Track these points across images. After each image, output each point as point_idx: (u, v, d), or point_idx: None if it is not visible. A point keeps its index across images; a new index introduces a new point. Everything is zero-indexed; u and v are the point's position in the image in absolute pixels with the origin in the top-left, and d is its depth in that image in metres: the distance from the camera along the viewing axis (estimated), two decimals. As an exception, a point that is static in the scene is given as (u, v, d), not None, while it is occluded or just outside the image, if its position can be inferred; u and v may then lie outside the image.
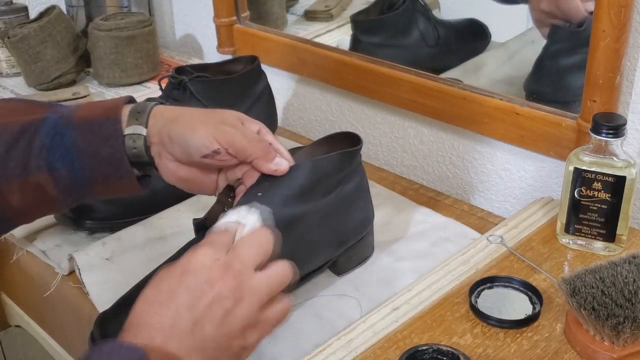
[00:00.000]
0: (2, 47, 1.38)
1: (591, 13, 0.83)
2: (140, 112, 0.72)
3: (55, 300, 0.92)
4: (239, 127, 0.73)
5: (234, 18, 1.29)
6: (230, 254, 0.59)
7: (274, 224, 0.68)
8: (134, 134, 0.71)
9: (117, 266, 0.90)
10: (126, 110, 0.72)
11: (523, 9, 1.04)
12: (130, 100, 0.75)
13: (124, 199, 0.97)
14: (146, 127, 0.71)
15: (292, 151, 0.80)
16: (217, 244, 0.60)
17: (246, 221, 0.63)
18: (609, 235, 0.81)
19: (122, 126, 0.71)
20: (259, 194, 0.73)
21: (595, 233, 0.81)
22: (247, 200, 0.72)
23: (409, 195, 1.05)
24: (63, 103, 0.78)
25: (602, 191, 0.79)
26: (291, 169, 0.75)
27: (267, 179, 0.74)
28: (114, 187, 0.74)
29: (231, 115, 0.74)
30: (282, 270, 0.60)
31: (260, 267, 0.60)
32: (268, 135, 0.75)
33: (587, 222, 0.81)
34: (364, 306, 0.81)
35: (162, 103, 0.75)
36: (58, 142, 0.70)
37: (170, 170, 0.74)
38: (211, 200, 1.01)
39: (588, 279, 0.67)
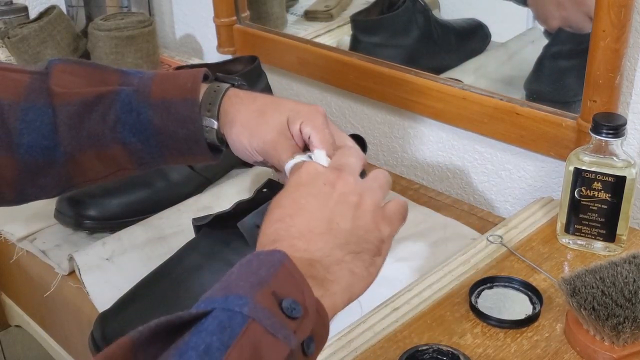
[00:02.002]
0: (2, 47, 1.38)
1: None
2: (212, 103, 0.69)
3: (55, 300, 0.92)
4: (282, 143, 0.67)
5: (234, 18, 1.29)
6: (335, 164, 0.60)
7: None
8: (207, 127, 0.69)
9: (117, 266, 0.90)
10: (203, 89, 0.70)
11: (523, 8, 1.04)
12: (206, 74, 0.72)
13: (124, 199, 0.97)
14: (217, 119, 0.69)
15: None
16: (314, 162, 0.61)
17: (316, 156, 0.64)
18: (609, 235, 0.81)
19: (200, 109, 0.69)
20: (264, 190, 0.76)
21: (595, 233, 0.81)
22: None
23: (409, 195, 1.05)
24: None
25: (602, 191, 0.79)
26: None
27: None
28: (187, 160, 0.75)
29: (280, 124, 0.68)
30: (379, 171, 0.62)
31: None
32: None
33: (587, 222, 0.81)
34: (364, 306, 0.81)
35: (233, 84, 0.71)
36: (134, 119, 0.69)
37: (244, 144, 0.70)
38: (211, 200, 1.01)
39: (588, 279, 0.67)
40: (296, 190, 0.58)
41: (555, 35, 0.98)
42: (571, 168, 0.79)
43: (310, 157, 0.63)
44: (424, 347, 0.67)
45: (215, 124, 0.69)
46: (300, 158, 0.63)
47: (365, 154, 0.84)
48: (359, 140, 0.85)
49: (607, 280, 0.67)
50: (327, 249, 0.54)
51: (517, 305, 0.74)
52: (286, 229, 0.55)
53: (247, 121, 0.68)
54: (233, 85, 0.71)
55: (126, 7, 1.44)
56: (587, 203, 0.80)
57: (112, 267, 0.89)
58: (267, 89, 1.09)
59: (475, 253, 0.83)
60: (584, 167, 0.79)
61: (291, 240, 0.54)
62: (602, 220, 0.80)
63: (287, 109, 0.67)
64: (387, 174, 0.62)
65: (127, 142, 0.70)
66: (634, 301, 0.64)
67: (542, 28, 1.01)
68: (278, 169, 0.68)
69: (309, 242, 0.54)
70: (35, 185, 0.72)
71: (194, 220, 0.85)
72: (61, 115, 0.69)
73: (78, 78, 0.71)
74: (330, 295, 0.53)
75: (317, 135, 0.65)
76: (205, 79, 0.71)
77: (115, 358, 0.43)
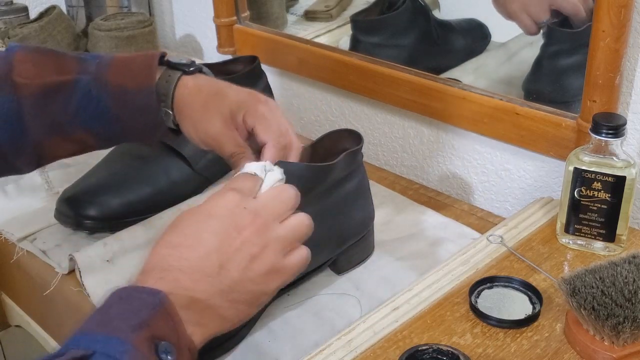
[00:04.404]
0: (2, 47, 1.38)
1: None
2: (166, 94, 0.71)
3: (55, 300, 0.92)
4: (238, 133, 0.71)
5: (234, 18, 1.29)
6: (258, 204, 0.60)
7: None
8: (162, 111, 0.72)
9: (118, 268, 0.89)
10: (158, 74, 0.72)
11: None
12: (161, 56, 0.73)
13: (124, 198, 0.97)
14: (172, 109, 0.71)
15: None
16: (245, 190, 0.60)
17: (271, 171, 0.64)
18: (609, 235, 0.81)
19: (156, 98, 0.71)
20: None
21: (595, 233, 0.81)
22: None
23: (409, 195, 1.05)
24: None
25: (602, 191, 0.79)
26: (293, 171, 0.75)
27: None
28: (150, 140, 0.79)
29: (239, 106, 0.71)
30: (303, 221, 0.62)
31: (283, 220, 0.61)
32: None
33: (587, 222, 0.81)
34: (364, 305, 0.81)
35: (184, 71, 0.72)
36: (94, 106, 0.71)
37: (192, 136, 0.74)
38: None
39: (588, 279, 0.67)
40: (205, 221, 0.57)
41: (551, 35, 0.98)
42: (571, 168, 0.80)
43: (264, 169, 0.63)
44: (424, 347, 0.67)
45: (170, 115, 0.71)
46: (252, 168, 0.63)
47: (361, 149, 0.84)
48: (355, 136, 0.85)
49: (607, 280, 0.67)
50: (209, 292, 0.55)
51: (517, 305, 0.74)
52: (178, 260, 0.55)
53: (192, 114, 0.71)
54: (185, 72, 0.72)
55: (126, 7, 1.44)
56: (587, 203, 0.80)
57: (113, 268, 0.89)
58: (267, 89, 1.09)
59: (475, 253, 0.83)
60: (583, 167, 0.79)
61: (178, 275, 0.54)
62: (602, 220, 0.80)
63: (229, 101, 0.69)
64: (308, 222, 0.62)
65: (89, 127, 0.73)
66: (633, 301, 0.64)
67: (541, 29, 1.01)
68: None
69: (195, 282, 0.55)
70: (6, 166, 0.76)
71: None
72: (25, 106, 0.72)
73: (39, 67, 0.73)
74: (198, 334, 0.55)
75: (261, 126, 0.67)
76: (161, 61, 0.73)
77: None
